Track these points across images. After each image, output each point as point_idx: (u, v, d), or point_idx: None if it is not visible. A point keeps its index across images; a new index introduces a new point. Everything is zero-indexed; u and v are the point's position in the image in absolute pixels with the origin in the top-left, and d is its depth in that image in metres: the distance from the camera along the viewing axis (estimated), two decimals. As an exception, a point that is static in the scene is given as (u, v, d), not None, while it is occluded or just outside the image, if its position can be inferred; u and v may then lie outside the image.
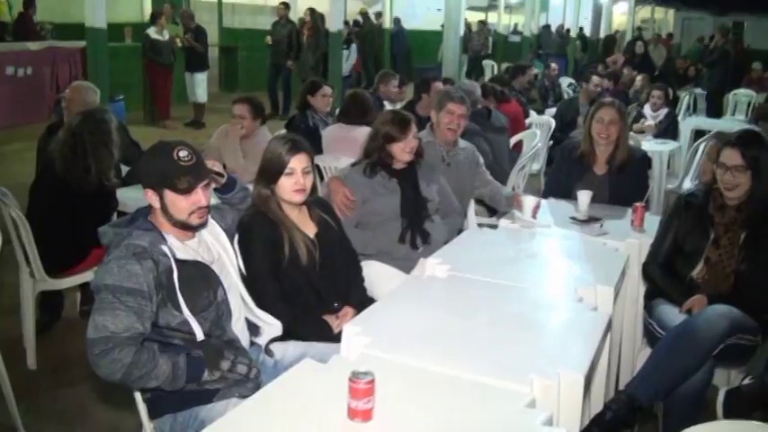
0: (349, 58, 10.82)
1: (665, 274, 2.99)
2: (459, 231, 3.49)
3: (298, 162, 2.61)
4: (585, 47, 20.56)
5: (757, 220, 2.89)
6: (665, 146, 6.12)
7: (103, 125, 3.64)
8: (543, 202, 3.72)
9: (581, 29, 21.81)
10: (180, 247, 2.23)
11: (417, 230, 3.24)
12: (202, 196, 2.20)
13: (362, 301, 2.69)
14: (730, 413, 2.40)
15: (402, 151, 3.27)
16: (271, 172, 2.62)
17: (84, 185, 3.52)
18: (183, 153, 2.17)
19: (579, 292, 2.52)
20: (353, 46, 10.93)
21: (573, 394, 1.91)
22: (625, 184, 3.80)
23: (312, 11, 11.70)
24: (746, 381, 2.50)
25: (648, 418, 2.73)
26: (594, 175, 3.86)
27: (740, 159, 2.84)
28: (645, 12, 25.94)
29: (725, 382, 2.78)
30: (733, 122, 8.30)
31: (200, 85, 10.43)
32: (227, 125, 4.58)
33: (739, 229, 2.91)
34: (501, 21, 20.72)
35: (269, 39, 11.40)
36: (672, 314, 2.80)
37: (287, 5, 11.56)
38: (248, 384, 2.18)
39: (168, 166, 2.16)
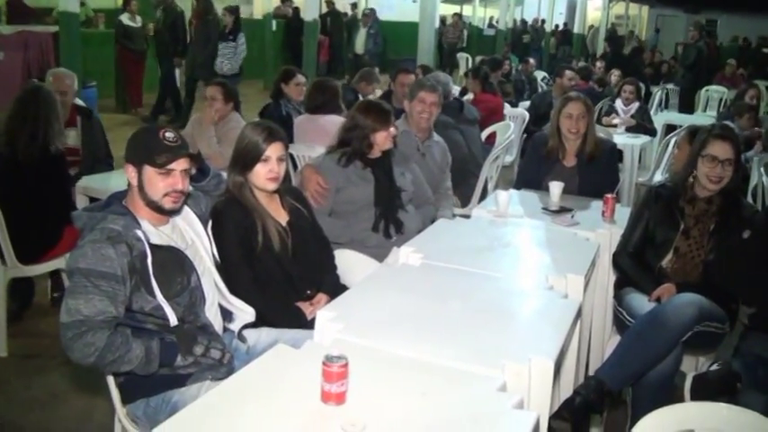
0: (237, 53, 9.10)
1: (634, 264, 3.03)
2: (433, 221, 3.51)
3: (274, 150, 2.62)
4: (570, 41, 20.67)
5: (728, 211, 2.95)
6: (637, 140, 6.20)
7: (51, 97, 3.71)
8: (515, 193, 3.79)
9: (565, 24, 21.96)
10: (154, 233, 2.23)
11: (391, 220, 3.25)
12: (180, 180, 2.21)
13: (335, 288, 2.71)
14: (697, 398, 2.45)
15: (385, 140, 3.29)
16: (246, 159, 2.63)
17: (29, 153, 3.52)
18: (168, 134, 2.20)
19: (550, 280, 2.55)
20: (242, 37, 9.15)
21: (543, 379, 1.94)
22: (595, 175, 3.85)
23: None
24: (714, 367, 2.55)
25: (618, 403, 2.78)
26: (564, 168, 3.91)
27: (732, 152, 2.89)
28: (619, 8, 26.14)
29: (693, 369, 2.84)
30: (705, 118, 8.42)
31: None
32: (200, 113, 4.60)
33: (709, 220, 2.96)
34: (476, 14, 20.79)
35: (150, 29, 10.00)
36: (641, 302, 2.85)
37: None
38: (221, 369, 2.19)
39: (152, 143, 2.18)
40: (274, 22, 14.13)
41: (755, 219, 2.92)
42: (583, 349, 3.14)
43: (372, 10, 16.34)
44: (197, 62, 9.14)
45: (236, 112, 4.57)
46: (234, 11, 9.23)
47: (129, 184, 2.24)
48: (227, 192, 2.64)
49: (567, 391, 2.55)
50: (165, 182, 2.19)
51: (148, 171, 2.19)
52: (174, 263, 2.24)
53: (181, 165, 2.21)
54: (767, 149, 5.70)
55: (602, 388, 2.45)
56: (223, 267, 2.50)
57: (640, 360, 2.53)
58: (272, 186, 2.66)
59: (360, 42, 14.61)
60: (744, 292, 2.78)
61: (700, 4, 25.35)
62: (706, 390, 2.43)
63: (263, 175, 2.62)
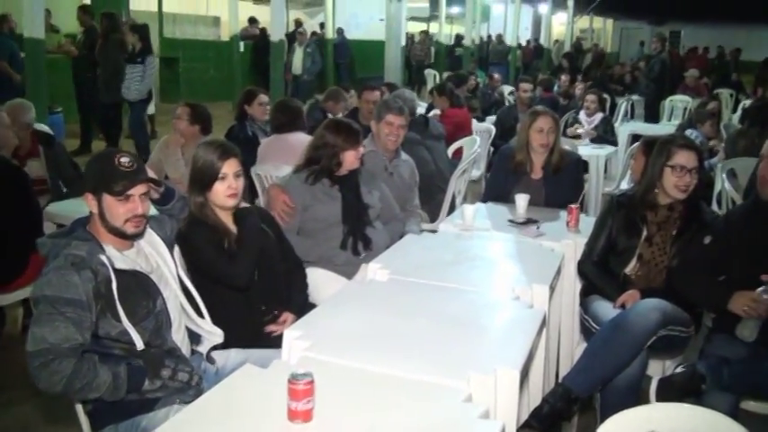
0: (145, 76, 8.24)
1: (599, 272, 3.07)
2: (402, 237, 3.54)
3: (229, 167, 2.64)
4: (541, 56, 21.04)
5: (689, 217, 3.01)
6: (602, 150, 6.30)
7: None
8: (482, 206, 3.84)
9: (536, 40, 22.28)
10: (118, 257, 2.23)
11: (359, 236, 3.28)
12: (139, 204, 2.22)
13: (303, 306, 2.73)
14: (662, 400, 2.47)
15: (354, 159, 3.32)
16: (204, 179, 2.65)
17: None
18: (124, 159, 2.20)
19: (516, 291, 2.59)
20: (151, 59, 8.34)
21: (509, 389, 1.96)
22: (561, 187, 3.92)
23: (105, 16, 8.54)
24: (679, 369, 2.60)
25: (587, 409, 2.81)
26: (531, 180, 3.98)
27: (696, 160, 2.95)
28: (584, 22, 26.54)
29: (660, 373, 2.87)
30: (670, 127, 8.56)
31: None
32: (167, 136, 4.60)
33: (671, 226, 3.02)
34: (443, 31, 21.03)
35: (74, 50, 9.17)
36: (606, 309, 2.88)
37: (85, 9, 9.19)
38: (190, 392, 2.19)
39: (108, 171, 2.18)
40: (242, 44, 14.16)
41: (715, 224, 2.98)
42: (552, 357, 3.18)
43: (345, 28, 16.49)
44: (97, 86, 8.44)
45: (206, 136, 4.56)
46: (139, 30, 8.49)
47: (91, 212, 2.25)
48: (190, 214, 2.65)
49: (536, 399, 2.57)
50: (124, 208, 2.20)
51: (107, 199, 2.19)
52: (139, 287, 2.24)
53: (139, 190, 2.22)
54: (729, 156, 5.81)
55: (569, 395, 2.48)
56: (202, 285, 2.51)
57: (606, 366, 2.56)
58: (233, 203, 2.68)
59: (297, 62, 13.39)
60: (701, 298, 2.82)
61: (663, 16, 25.88)
62: (671, 392, 2.47)
63: (223, 192, 2.65)
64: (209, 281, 2.62)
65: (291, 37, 14.15)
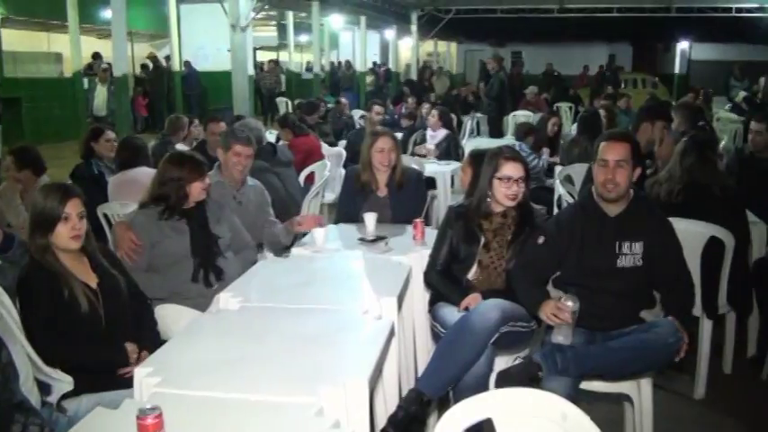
0: None
1: (443, 280, 3.24)
2: (254, 263, 3.56)
3: (72, 207, 2.60)
4: (389, 79, 21.70)
5: (522, 221, 3.23)
6: (448, 167, 6.59)
7: None
8: (334, 227, 3.96)
9: (384, 63, 22.92)
10: (-44, 312, 2.15)
11: (210, 268, 3.28)
12: None
13: (155, 344, 2.69)
14: None
15: (201, 190, 3.32)
16: (46, 222, 2.59)
17: None
18: None
19: (365, 305, 2.69)
20: None
21: (358, 398, 2.05)
22: (405, 202, 4.12)
23: None
24: (516, 362, 2.79)
25: (445, 406, 2.95)
26: (378, 198, 4.14)
27: (522, 170, 3.17)
28: (429, 45, 27.47)
29: (507, 367, 3.06)
30: (512, 141, 9.04)
31: None
32: (5, 183, 4.43)
33: (506, 232, 3.23)
34: (292, 59, 21.25)
35: None
36: (451, 314, 3.04)
37: None
38: (41, 445, 2.13)
39: None
40: (86, 80, 13.66)
41: (547, 225, 3.21)
42: (409, 365, 3.31)
43: (194, 60, 16.31)
44: None
45: (42, 176, 4.40)
46: None
47: None
48: (31, 258, 2.58)
49: (393, 405, 2.67)
50: None
51: None
52: (-19, 341, 2.16)
53: None
54: (565, 164, 6.25)
55: (421, 398, 2.60)
56: (30, 334, 2.43)
57: (453, 366, 2.71)
58: (76, 245, 2.63)
59: (100, 103, 12.15)
60: (522, 300, 3.00)
61: (504, 39, 27.40)
62: (510, 382, 2.64)
63: (66, 234, 2.60)
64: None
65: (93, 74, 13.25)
